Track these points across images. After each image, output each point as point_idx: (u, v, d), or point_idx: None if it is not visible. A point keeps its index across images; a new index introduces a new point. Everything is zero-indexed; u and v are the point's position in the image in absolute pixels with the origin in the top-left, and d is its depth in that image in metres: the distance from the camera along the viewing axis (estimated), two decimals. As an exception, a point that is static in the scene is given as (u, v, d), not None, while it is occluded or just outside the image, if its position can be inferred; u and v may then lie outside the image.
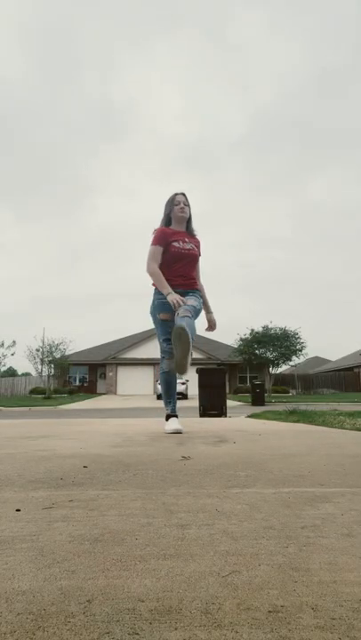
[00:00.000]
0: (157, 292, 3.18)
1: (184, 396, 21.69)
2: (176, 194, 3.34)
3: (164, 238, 3.22)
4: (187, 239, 3.27)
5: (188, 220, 3.35)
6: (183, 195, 3.35)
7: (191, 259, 3.24)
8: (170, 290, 3.03)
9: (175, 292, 3.03)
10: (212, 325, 3.45)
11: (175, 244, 3.23)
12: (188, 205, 3.34)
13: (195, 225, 3.40)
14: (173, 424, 3.10)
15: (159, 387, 3.39)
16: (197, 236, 3.38)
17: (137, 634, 0.53)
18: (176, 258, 3.20)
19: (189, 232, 3.34)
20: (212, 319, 3.43)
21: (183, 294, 3.08)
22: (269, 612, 0.58)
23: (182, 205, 3.28)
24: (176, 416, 3.23)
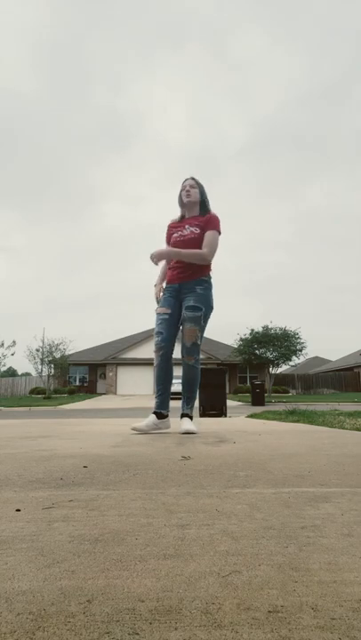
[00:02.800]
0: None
1: (184, 396, 21.67)
2: (186, 179, 3.18)
3: (167, 234, 3.22)
4: (191, 224, 3.07)
5: (203, 203, 3.12)
6: (192, 179, 3.17)
7: (187, 244, 3.04)
8: (156, 282, 3.13)
9: (170, 287, 3.09)
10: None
11: (175, 234, 3.13)
12: (197, 187, 3.13)
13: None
14: (145, 420, 3.03)
15: None
16: (212, 212, 3.11)
17: (137, 634, 0.53)
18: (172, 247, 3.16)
19: (202, 213, 3.11)
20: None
21: (180, 289, 3.06)
22: (269, 612, 0.58)
23: (187, 189, 3.11)
24: (162, 414, 3.11)
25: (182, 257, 3.01)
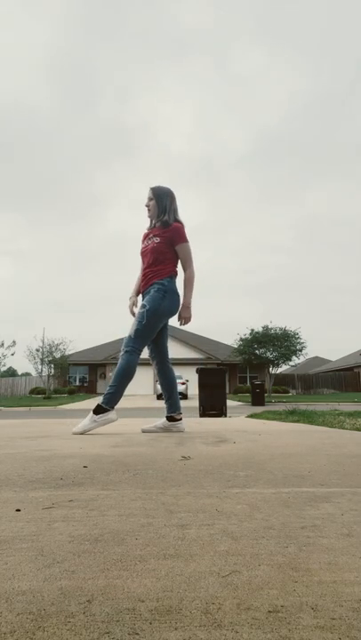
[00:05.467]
0: None
1: (184, 396, 21.75)
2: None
3: (141, 245, 3.34)
4: (155, 234, 3.16)
5: (161, 214, 3.17)
6: (150, 189, 3.21)
7: (147, 254, 3.17)
8: (131, 295, 3.21)
9: (138, 296, 3.23)
10: (179, 320, 3.14)
11: (142, 245, 3.29)
12: (154, 198, 3.18)
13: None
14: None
15: (159, 387, 3.39)
16: (175, 223, 3.14)
17: (137, 634, 0.53)
18: (141, 259, 3.28)
19: (162, 225, 3.15)
20: (181, 315, 3.12)
21: (144, 297, 3.16)
22: (269, 611, 0.58)
23: (147, 203, 3.22)
24: (172, 417, 3.19)
25: (192, 293, 3.14)
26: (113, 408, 2.98)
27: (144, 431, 3.14)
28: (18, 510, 1.05)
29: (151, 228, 3.26)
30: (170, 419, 3.20)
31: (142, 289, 3.18)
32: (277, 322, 43.33)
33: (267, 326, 30.82)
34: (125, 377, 2.98)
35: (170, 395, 3.27)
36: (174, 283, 3.15)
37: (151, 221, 3.27)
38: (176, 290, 3.14)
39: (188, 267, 3.13)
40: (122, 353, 3.04)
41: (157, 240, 3.13)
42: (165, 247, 3.12)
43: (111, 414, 2.97)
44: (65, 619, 0.56)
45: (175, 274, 3.17)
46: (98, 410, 2.95)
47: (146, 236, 3.28)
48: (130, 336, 3.03)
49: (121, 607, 0.59)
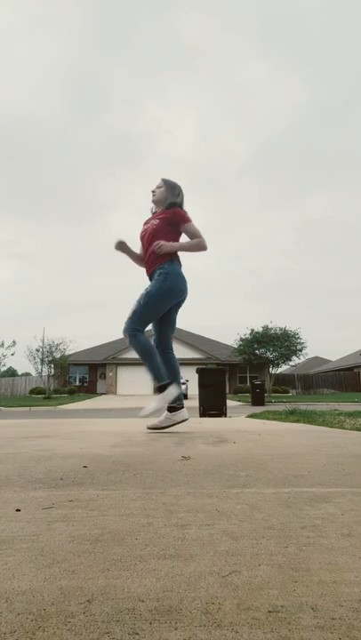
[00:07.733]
0: None
1: (184, 395, 21.74)
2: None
3: (141, 232, 3.35)
4: (154, 218, 3.21)
5: (167, 199, 3.20)
6: (161, 179, 3.29)
7: (146, 236, 3.18)
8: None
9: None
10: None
11: (141, 230, 3.30)
12: (163, 187, 3.24)
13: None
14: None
15: None
16: (176, 208, 3.16)
17: (137, 634, 0.53)
18: (141, 244, 3.29)
19: (165, 208, 3.19)
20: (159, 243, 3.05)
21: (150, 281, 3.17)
22: (269, 611, 0.58)
23: (153, 189, 3.29)
24: (173, 407, 3.15)
25: (186, 248, 3.11)
26: (168, 379, 3.05)
27: (149, 427, 3.14)
28: (18, 510, 1.05)
29: (152, 215, 3.33)
30: (171, 409, 3.17)
31: (149, 274, 3.19)
32: (278, 322, 43.36)
33: (267, 326, 30.82)
34: (150, 355, 3.03)
35: None
36: (175, 265, 3.12)
37: (153, 208, 3.32)
38: (179, 271, 3.11)
39: (203, 238, 3.12)
40: (128, 340, 3.02)
41: (156, 222, 3.17)
42: (164, 227, 3.13)
43: (172, 388, 3.04)
44: (65, 619, 0.56)
45: (176, 256, 3.15)
46: (161, 388, 3.02)
47: (146, 223, 3.32)
48: (128, 318, 3.01)
49: (121, 607, 0.59)
